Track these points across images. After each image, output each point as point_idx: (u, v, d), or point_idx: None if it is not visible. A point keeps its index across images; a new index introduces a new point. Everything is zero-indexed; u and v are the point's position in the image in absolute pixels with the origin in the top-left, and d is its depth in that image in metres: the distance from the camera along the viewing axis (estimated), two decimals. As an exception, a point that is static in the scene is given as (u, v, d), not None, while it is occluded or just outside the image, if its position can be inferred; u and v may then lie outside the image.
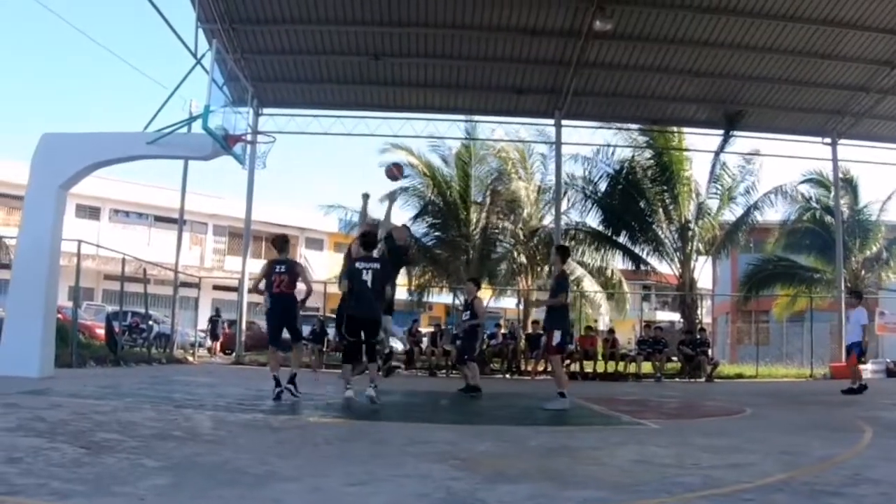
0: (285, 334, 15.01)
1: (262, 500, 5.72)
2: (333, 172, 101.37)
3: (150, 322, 30.49)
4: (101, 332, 29.16)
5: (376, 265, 13.64)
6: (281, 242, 15.45)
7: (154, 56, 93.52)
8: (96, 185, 43.04)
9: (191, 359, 31.24)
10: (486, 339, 30.32)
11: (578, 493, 6.35)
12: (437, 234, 35.29)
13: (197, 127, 18.09)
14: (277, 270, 14.41)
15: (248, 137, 21.33)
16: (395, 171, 17.65)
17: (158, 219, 53.84)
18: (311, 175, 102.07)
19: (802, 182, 38.36)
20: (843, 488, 6.64)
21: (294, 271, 14.70)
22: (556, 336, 14.88)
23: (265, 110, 32.16)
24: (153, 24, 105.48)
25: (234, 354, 32.36)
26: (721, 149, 33.39)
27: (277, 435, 9.51)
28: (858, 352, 22.33)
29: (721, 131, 33.38)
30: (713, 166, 33.83)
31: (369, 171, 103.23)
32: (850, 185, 39.06)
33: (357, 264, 13.73)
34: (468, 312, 19.04)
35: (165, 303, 34.91)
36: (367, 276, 13.36)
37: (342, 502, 5.89)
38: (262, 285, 14.81)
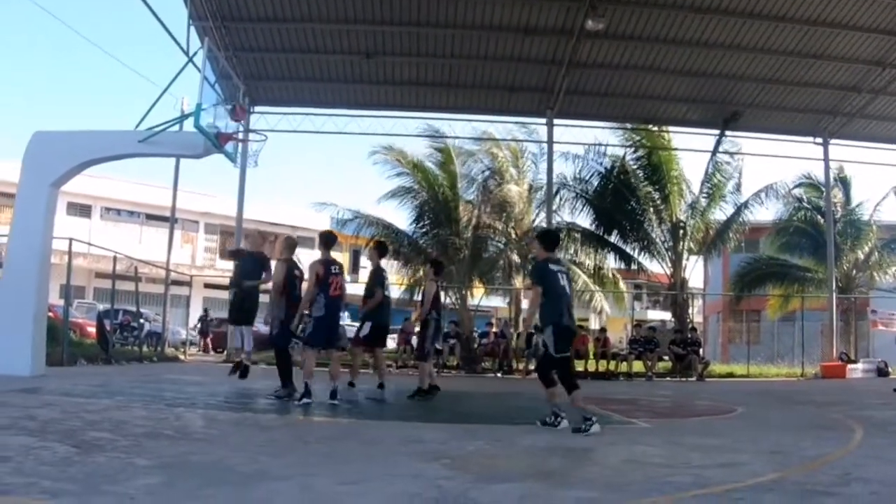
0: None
1: (252, 500, 5.72)
2: (325, 171, 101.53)
3: (142, 320, 30.43)
4: (92, 330, 29.16)
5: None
6: (330, 239, 14.04)
7: (146, 54, 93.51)
8: (88, 183, 42.94)
9: (182, 357, 31.24)
10: (476, 337, 30.37)
11: (570, 492, 6.35)
12: (430, 233, 35.24)
13: (189, 125, 18.06)
14: (334, 271, 13.25)
15: (240, 136, 21.28)
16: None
17: (150, 217, 53.76)
18: (303, 173, 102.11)
19: (796, 187, 38.42)
20: (834, 488, 6.66)
21: (344, 275, 13.73)
22: (366, 328, 15.07)
23: (257, 108, 32.11)
24: (145, 22, 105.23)
25: (225, 353, 32.30)
26: (715, 149, 33.39)
27: (268, 434, 9.51)
28: None
29: (712, 131, 33.40)
30: (707, 166, 33.82)
31: (361, 170, 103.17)
32: (842, 185, 39.12)
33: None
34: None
35: (157, 301, 34.95)
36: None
37: (333, 501, 5.88)
38: (291, 286, 14.31)
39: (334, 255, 13.99)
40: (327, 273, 13.08)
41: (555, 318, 11.55)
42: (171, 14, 51.09)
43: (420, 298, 19.75)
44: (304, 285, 13.85)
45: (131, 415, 10.65)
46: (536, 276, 11.81)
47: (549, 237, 12.38)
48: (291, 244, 15.24)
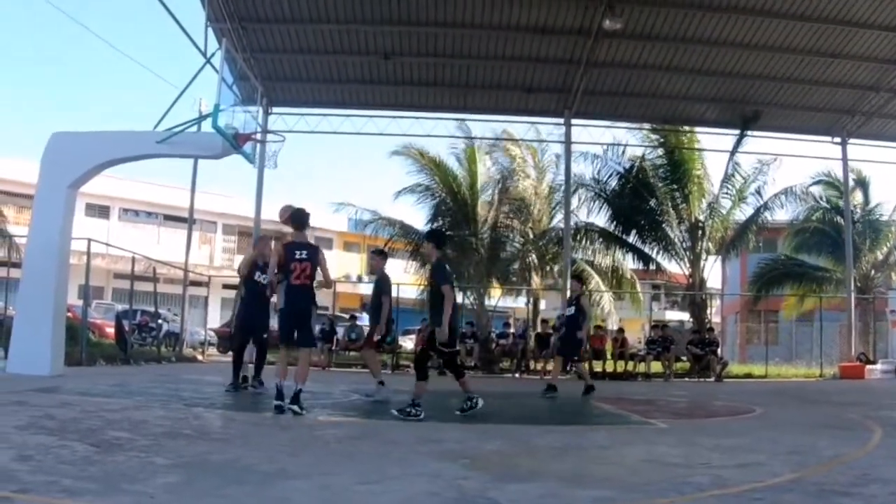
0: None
1: (271, 499, 5.74)
2: (343, 171, 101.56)
3: (160, 321, 30.55)
4: (110, 330, 29.26)
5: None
6: (300, 218, 12.61)
7: (164, 55, 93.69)
8: (106, 183, 43.09)
9: (200, 357, 31.30)
10: (494, 338, 30.38)
11: (588, 492, 6.36)
12: (448, 233, 35.24)
13: (207, 126, 18.10)
14: (298, 257, 11.85)
15: (258, 136, 21.33)
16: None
17: (168, 217, 53.97)
18: (320, 174, 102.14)
19: (813, 184, 38.31)
20: (852, 488, 6.65)
21: (317, 259, 12.12)
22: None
23: (275, 109, 32.07)
24: (163, 23, 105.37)
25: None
26: (735, 149, 33.25)
27: (287, 433, 9.52)
28: None
29: (731, 130, 33.31)
30: (727, 166, 33.71)
31: (379, 170, 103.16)
32: (861, 185, 39.02)
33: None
34: (573, 308, 18.61)
35: (175, 301, 35.02)
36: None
37: (352, 501, 5.90)
38: (259, 274, 14.61)
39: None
40: (290, 257, 11.86)
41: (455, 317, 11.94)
42: (189, 16, 51.13)
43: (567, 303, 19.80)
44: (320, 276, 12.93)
45: (150, 414, 10.69)
46: (448, 276, 11.85)
47: (440, 236, 12.30)
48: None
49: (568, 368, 21.47)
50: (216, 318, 44.11)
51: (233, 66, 20.71)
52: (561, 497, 6.16)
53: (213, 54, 21.38)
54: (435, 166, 35.06)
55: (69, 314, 20.55)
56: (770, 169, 34.53)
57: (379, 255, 16.98)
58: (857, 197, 39.05)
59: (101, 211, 51.69)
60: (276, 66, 30.62)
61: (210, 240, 58.22)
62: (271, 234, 43.47)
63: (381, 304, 15.56)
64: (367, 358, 17.23)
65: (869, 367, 31.17)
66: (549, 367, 27.63)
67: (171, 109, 18.88)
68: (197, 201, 35.29)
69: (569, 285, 27.30)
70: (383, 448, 8.43)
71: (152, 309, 30.25)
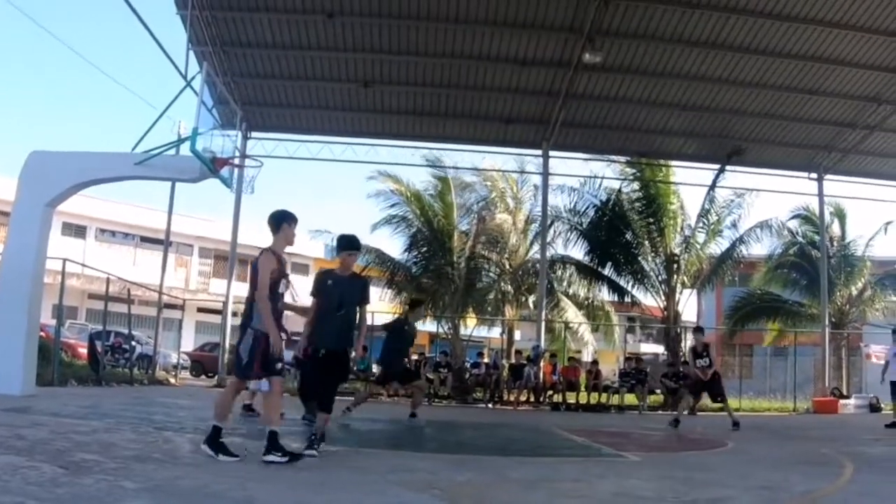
0: None
1: (240, 526, 5.71)
2: (320, 198, 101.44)
3: (133, 343, 30.37)
4: (83, 351, 29.08)
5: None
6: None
7: (145, 77, 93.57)
8: (83, 203, 42.95)
9: (172, 381, 31.18)
10: (468, 367, 30.37)
11: (559, 525, 6.36)
12: (423, 262, 35.29)
13: (185, 149, 18.09)
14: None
15: (236, 161, 21.30)
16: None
17: (144, 239, 53.78)
18: (298, 200, 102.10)
19: (791, 219, 38.58)
20: (823, 524, 6.67)
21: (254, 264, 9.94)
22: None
23: (254, 134, 32.11)
24: (145, 45, 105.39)
25: (216, 377, 32.30)
26: (714, 183, 33.39)
27: (257, 459, 9.47)
28: None
29: (708, 165, 33.46)
30: (704, 200, 33.83)
31: (356, 198, 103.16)
32: (838, 220, 39.27)
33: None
34: (707, 359, 20.64)
35: (149, 324, 34.88)
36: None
37: (322, 529, 5.88)
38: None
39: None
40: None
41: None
42: (171, 38, 51.22)
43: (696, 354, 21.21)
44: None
45: (120, 437, 10.63)
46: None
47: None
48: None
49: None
50: (190, 341, 43.96)
51: (213, 90, 20.75)
52: (531, 529, 6.16)
53: (193, 77, 21.37)
54: (412, 195, 35.13)
55: (42, 333, 20.43)
56: (746, 203, 34.74)
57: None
58: (835, 229, 39.29)
59: (77, 230, 51.46)
60: (256, 91, 30.66)
61: (186, 263, 58.03)
62: (247, 257, 43.45)
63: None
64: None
65: (842, 401, 31.34)
66: (523, 398, 27.82)
67: (150, 131, 18.80)
68: (174, 224, 35.23)
69: (688, 337, 27.89)
70: (355, 476, 8.39)
71: (126, 331, 30.09)
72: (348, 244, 11.59)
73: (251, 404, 15.39)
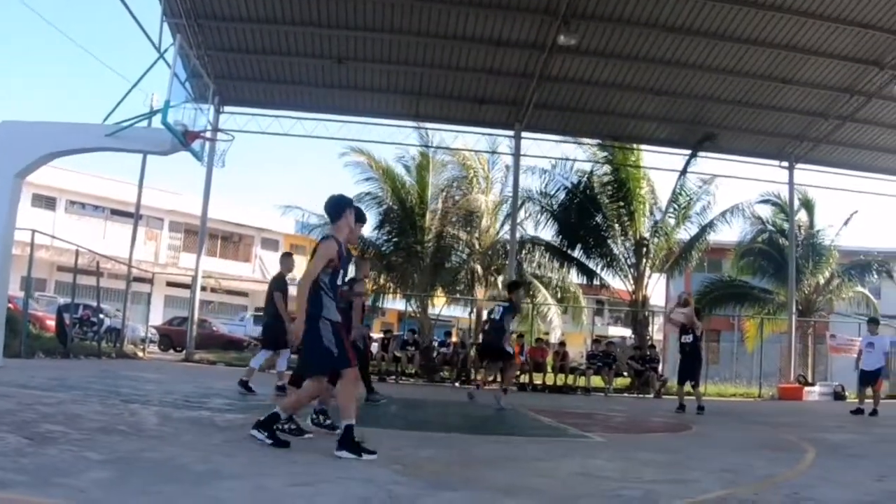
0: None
1: (203, 498, 5.73)
2: (292, 173, 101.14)
3: (102, 316, 30.23)
4: (51, 323, 28.96)
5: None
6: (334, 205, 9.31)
7: (118, 48, 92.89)
8: (54, 175, 42.83)
9: (140, 354, 31.10)
10: (436, 346, 30.39)
11: (518, 501, 6.41)
12: (394, 240, 35.29)
13: (157, 122, 18.04)
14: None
15: (208, 134, 21.25)
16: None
17: (115, 212, 53.58)
18: (269, 175, 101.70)
19: (759, 202, 38.69)
20: (782, 508, 6.74)
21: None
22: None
23: (226, 108, 31.92)
24: (118, 16, 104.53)
25: (184, 352, 32.25)
26: (685, 168, 33.42)
27: (223, 433, 9.47)
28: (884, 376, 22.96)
29: (680, 150, 33.53)
30: (675, 185, 33.92)
31: (329, 175, 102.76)
32: (806, 209, 39.42)
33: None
34: (691, 336, 20.29)
35: (118, 297, 34.70)
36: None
37: (284, 502, 5.90)
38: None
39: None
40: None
41: None
42: (146, 10, 50.79)
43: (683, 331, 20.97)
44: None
45: (86, 409, 10.62)
46: None
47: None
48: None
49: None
50: (159, 315, 43.83)
51: (186, 63, 20.61)
52: (491, 506, 6.21)
53: (166, 49, 21.31)
54: (384, 173, 35.11)
55: (10, 305, 20.35)
56: (716, 189, 34.88)
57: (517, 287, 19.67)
58: (803, 217, 39.46)
59: (47, 202, 51.28)
60: (230, 65, 30.51)
61: (156, 236, 57.86)
62: (218, 231, 43.23)
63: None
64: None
65: (807, 388, 31.53)
66: (490, 377, 27.90)
67: (122, 103, 18.69)
68: (145, 197, 35.10)
69: (657, 321, 28.02)
70: (319, 451, 8.39)
71: (94, 303, 29.97)
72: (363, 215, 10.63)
73: (283, 384, 15.24)
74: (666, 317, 23.85)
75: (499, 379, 19.19)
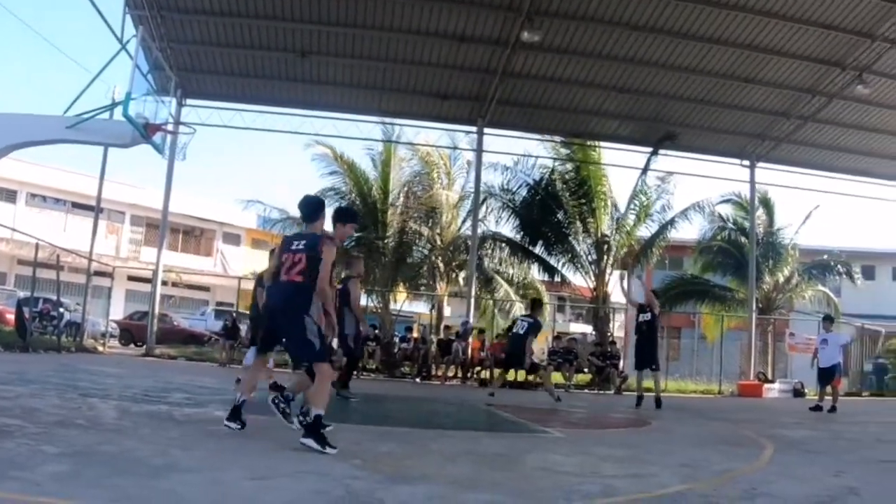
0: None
1: (158, 491, 5.72)
2: (254, 167, 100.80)
3: (62, 310, 30.08)
4: (10, 317, 28.85)
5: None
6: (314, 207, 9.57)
7: (80, 39, 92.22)
8: (14, 167, 42.53)
9: (101, 349, 30.96)
10: (397, 341, 30.41)
11: (477, 496, 6.43)
12: (356, 235, 35.24)
13: (118, 114, 17.95)
14: (294, 248, 9.11)
15: (169, 127, 21.17)
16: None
17: (76, 205, 53.16)
18: (231, 169, 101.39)
19: (720, 203, 38.93)
20: (739, 502, 6.78)
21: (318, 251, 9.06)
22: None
23: (189, 101, 31.77)
24: (80, 7, 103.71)
25: (144, 346, 32.12)
26: (647, 166, 33.57)
27: (181, 427, 9.47)
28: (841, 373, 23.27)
29: (642, 148, 33.66)
30: (637, 182, 34.05)
31: (291, 169, 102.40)
32: (766, 208, 39.61)
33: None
34: (649, 314, 20.37)
35: (78, 291, 34.52)
36: None
37: (239, 496, 5.91)
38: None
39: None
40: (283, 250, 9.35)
41: None
42: (108, 1, 50.41)
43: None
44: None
45: (44, 403, 10.59)
46: None
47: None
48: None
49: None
50: (119, 309, 43.57)
51: (148, 55, 20.50)
52: (448, 500, 6.22)
53: (128, 41, 21.17)
54: (348, 167, 35.07)
55: (-31, 299, 20.27)
56: (676, 187, 35.06)
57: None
58: (762, 218, 39.67)
59: (7, 195, 50.92)
60: (193, 58, 30.36)
61: (117, 230, 57.49)
62: (179, 226, 43.05)
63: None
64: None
65: (767, 385, 31.70)
66: (450, 373, 28.02)
67: (84, 95, 18.57)
68: (106, 190, 34.82)
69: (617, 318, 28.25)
70: (277, 445, 8.40)
71: (55, 297, 29.82)
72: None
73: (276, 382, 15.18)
74: (624, 287, 24.11)
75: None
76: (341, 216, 10.27)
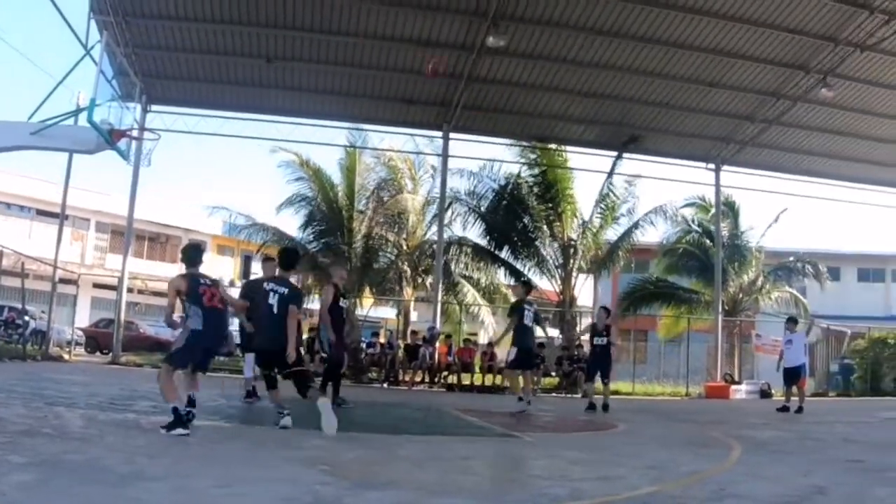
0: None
1: (124, 499, 5.71)
2: (220, 174, 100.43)
3: (27, 318, 29.88)
4: (-25, 326, 28.65)
5: (285, 289, 11.63)
6: (193, 253, 11.58)
7: (44, 45, 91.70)
8: (-23, 175, 42.28)
9: (66, 357, 30.78)
10: (363, 347, 30.32)
11: (445, 501, 6.44)
12: (323, 240, 35.22)
13: (83, 120, 17.87)
14: (203, 283, 10.97)
15: (134, 133, 21.09)
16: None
17: (40, 212, 52.79)
18: (197, 175, 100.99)
19: (684, 206, 39.16)
20: (708, 502, 6.82)
21: (221, 288, 11.42)
22: (512, 353, 17.49)
23: (154, 107, 31.53)
24: (44, 12, 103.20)
25: (110, 354, 31.93)
26: (612, 170, 33.73)
27: (147, 435, 9.44)
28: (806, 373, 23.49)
29: (607, 152, 33.79)
30: (602, 186, 34.15)
31: (257, 175, 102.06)
32: (731, 211, 39.78)
33: (265, 284, 12.09)
34: (605, 338, 20.34)
35: (43, 299, 34.32)
36: (273, 300, 11.51)
37: (206, 503, 5.89)
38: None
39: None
40: (194, 284, 10.87)
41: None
42: (73, 6, 50.06)
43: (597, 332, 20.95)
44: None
45: (10, 412, 10.54)
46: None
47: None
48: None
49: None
50: (85, 317, 43.33)
51: (113, 61, 20.46)
52: (416, 505, 6.23)
53: (92, 46, 21.08)
54: (313, 173, 35.04)
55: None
56: (640, 190, 35.22)
57: (522, 286, 20.62)
58: (727, 221, 39.85)
59: (-29, 203, 50.64)
60: (158, 63, 30.21)
61: (82, 237, 57.15)
62: (145, 233, 42.83)
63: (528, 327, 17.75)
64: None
65: (734, 387, 31.84)
66: (417, 378, 28.01)
67: (48, 101, 18.50)
68: (71, 197, 34.58)
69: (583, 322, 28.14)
70: (244, 452, 8.41)
71: (20, 305, 29.63)
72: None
73: (255, 388, 15.42)
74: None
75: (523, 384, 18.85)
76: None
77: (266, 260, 16.41)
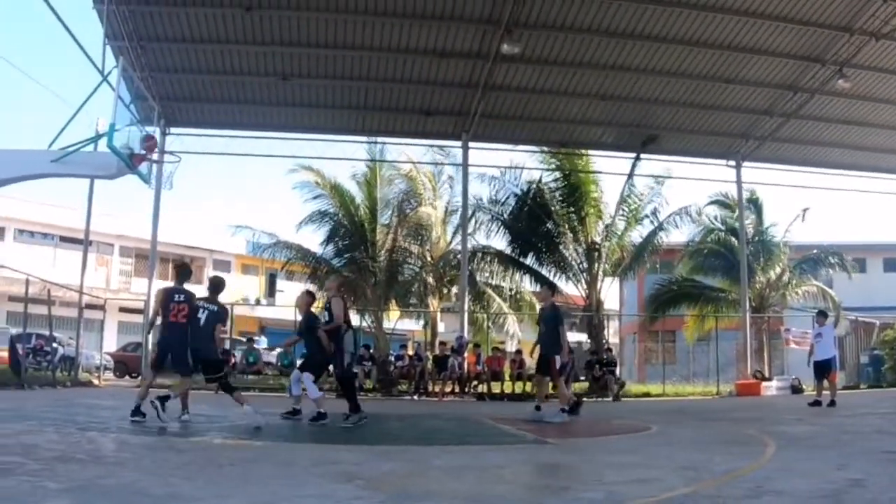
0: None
1: (163, 521, 5.69)
2: (241, 193, 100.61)
3: (55, 344, 29.97)
4: (4, 354, 28.69)
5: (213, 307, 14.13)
6: (182, 271, 14.78)
7: (61, 73, 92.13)
8: (1, 203, 42.39)
9: (96, 382, 30.84)
10: (392, 360, 30.30)
11: (482, 510, 6.40)
12: (346, 255, 35.22)
13: (103, 145, 17.90)
14: (177, 299, 13.68)
15: (154, 157, 21.12)
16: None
17: (64, 239, 52.96)
18: (219, 196, 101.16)
19: (708, 204, 39.06)
20: (745, 500, 6.75)
21: (192, 304, 13.83)
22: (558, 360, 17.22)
23: (172, 130, 31.61)
24: (60, 40, 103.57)
25: (139, 378, 31.97)
26: (632, 171, 33.64)
27: (181, 457, 9.43)
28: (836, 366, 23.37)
29: (627, 153, 33.74)
30: (623, 188, 34.07)
31: (278, 193, 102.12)
32: (754, 207, 39.63)
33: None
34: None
35: (70, 325, 34.42)
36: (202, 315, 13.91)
37: (244, 523, 5.88)
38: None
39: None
40: (168, 300, 13.68)
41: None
42: (88, 34, 50.32)
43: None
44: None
45: (43, 439, 10.53)
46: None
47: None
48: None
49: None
50: (112, 341, 43.48)
51: (130, 85, 20.56)
52: (453, 516, 6.20)
53: (109, 72, 21.13)
54: (333, 189, 35.04)
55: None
56: (664, 190, 35.04)
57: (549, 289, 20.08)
58: (751, 218, 39.68)
59: (-5, 233, 50.85)
60: (174, 86, 30.34)
61: (107, 262, 57.29)
62: (169, 255, 42.98)
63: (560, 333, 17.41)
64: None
65: (765, 383, 31.69)
66: (447, 389, 27.94)
67: (67, 128, 18.54)
68: (94, 223, 34.68)
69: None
70: (278, 470, 8.37)
71: (47, 332, 29.72)
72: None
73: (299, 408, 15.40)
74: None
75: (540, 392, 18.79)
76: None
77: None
